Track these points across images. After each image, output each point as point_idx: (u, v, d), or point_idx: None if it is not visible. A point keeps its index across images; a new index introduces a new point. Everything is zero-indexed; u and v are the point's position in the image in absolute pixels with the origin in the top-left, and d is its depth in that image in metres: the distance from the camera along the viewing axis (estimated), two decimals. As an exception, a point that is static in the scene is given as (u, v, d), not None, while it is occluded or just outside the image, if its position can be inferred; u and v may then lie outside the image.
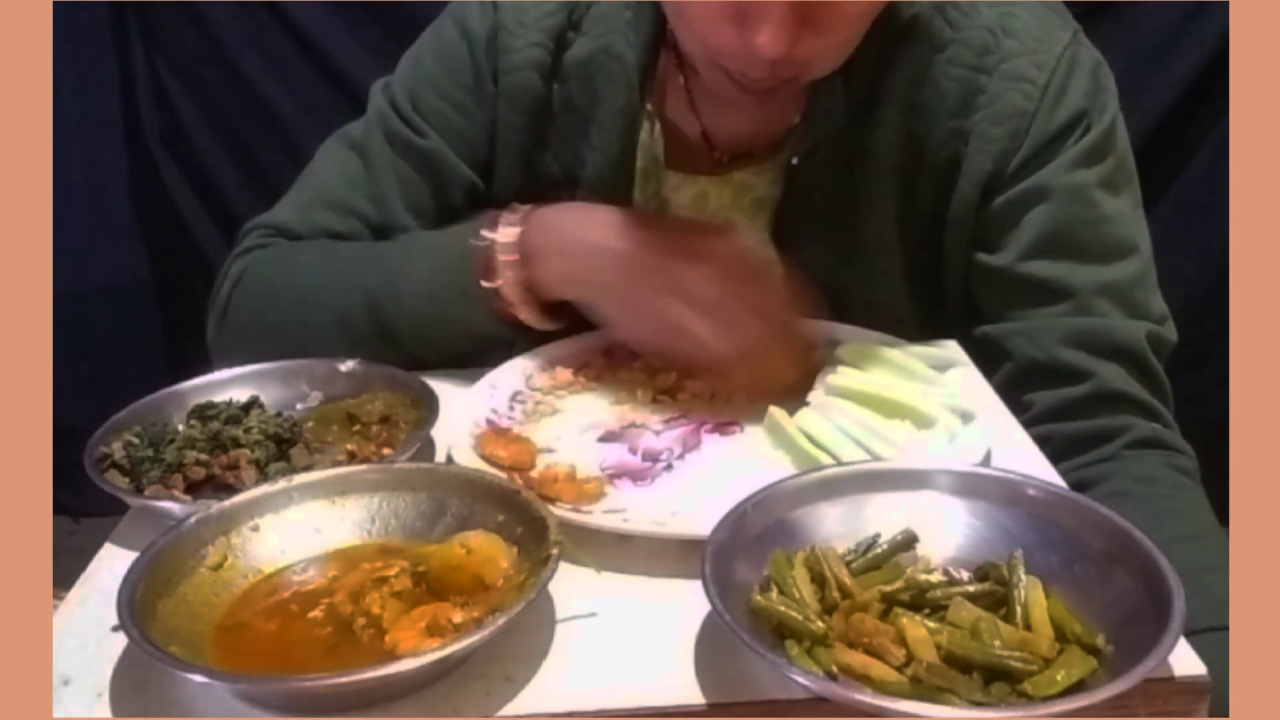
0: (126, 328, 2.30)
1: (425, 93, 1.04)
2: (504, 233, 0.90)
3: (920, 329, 0.99)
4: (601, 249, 0.87)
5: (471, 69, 1.03)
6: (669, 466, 0.80)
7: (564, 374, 0.92)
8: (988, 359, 0.93)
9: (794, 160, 0.98)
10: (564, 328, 0.95)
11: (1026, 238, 0.95)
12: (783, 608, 0.59)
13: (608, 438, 0.84)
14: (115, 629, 0.62)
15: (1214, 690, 0.58)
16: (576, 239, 0.89)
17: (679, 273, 0.84)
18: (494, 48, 1.02)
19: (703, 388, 0.89)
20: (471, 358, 0.96)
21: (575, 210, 0.93)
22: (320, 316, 0.97)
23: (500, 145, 1.04)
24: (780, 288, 0.88)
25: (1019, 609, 0.60)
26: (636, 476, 0.78)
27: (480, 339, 0.95)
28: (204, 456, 0.79)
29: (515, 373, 0.91)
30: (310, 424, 0.86)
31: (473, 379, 0.89)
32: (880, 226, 1.00)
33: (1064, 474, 0.79)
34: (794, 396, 0.84)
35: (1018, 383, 0.94)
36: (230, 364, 0.96)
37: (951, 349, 0.93)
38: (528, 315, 0.91)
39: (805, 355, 0.88)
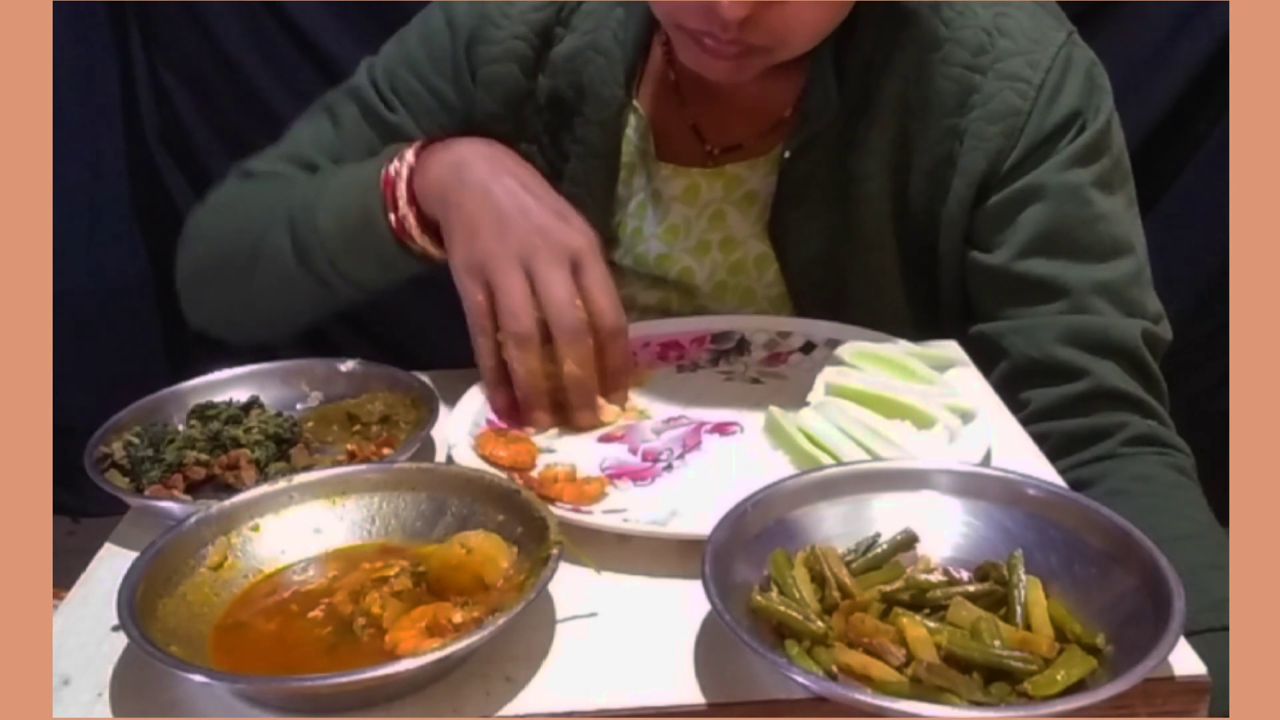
0: (126, 328, 2.29)
1: (403, 72, 1.07)
2: (407, 158, 0.91)
3: (916, 326, 0.99)
4: (482, 187, 0.86)
5: (451, 59, 1.05)
6: (669, 466, 0.80)
7: None
8: (984, 357, 0.93)
9: (786, 154, 0.98)
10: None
11: (1022, 236, 0.95)
12: (783, 607, 0.59)
13: (608, 438, 0.84)
14: (115, 629, 0.62)
15: (1214, 690, 0.58)
16: (458, 163, 0.88)
17: (538, 240, 0.83)
18: (476, 39, 1.04)
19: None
20: (459, 352, 0.97)
21: (479, 145, 0.91)
22: (250, 234, 1.01)
23: (479, 133, 1.04)
24: (615, 332, 0.84)
25: (1019, 609, 0.60)
26: (636, 476, 0.78)
27: (384, 265, 0.94)
28: (204, 456, 0.79)
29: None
30: (310, 424, 0.86)
31: (473, 379, 0.89)
32: (875, 223, 1.00)
33: (1061, 472, 0.79)
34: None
35: (1014, 381, 0.94)
36: (194, 297, 1.08)
37: (951, 349, 0.93)
38: (417, 235, 0.90)
39: (590, 395, 0.84)
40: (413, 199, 0.90)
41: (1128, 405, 0.92)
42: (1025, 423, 0.87)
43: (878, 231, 1.00)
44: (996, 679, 0.56)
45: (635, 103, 1.03)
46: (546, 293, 0.82)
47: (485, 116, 1.04)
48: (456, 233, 0.86)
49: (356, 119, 1.07)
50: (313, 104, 1.12)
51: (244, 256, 1.01)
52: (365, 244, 0.93)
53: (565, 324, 0.82)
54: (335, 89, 1.11)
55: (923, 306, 1.03)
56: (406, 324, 2.06)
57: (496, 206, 0.85)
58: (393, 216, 0.90)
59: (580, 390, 0.83)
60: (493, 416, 0.85)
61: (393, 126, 1.05)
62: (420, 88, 1.06)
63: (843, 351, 0.89)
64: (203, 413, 0.85)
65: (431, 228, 0.90)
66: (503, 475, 0.72)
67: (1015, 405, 0.90)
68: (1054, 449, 0.85)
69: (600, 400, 0.85)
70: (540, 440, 0.83)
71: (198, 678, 0.57)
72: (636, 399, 0.89)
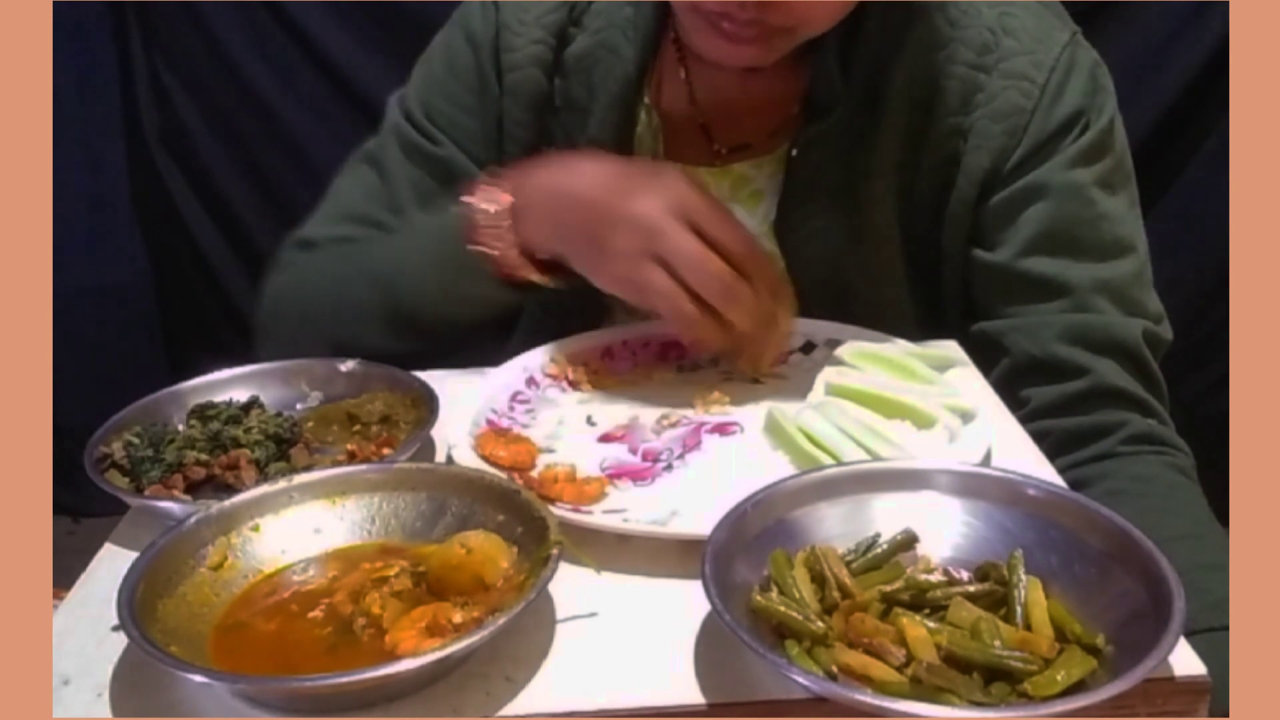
0: (126, 328, 2.30)
1: (437, 100, 1.06)
2: (488, 197, 0.90)
3: (920, 324, 0.99)
4: (575, 199, 0.87)
5: (477, 72, 1.04)
6: (669, 466, 0.80)
7: (573, 371, 0.92)
8: (985, 355, 0.93)
9: (793, 152, 0.98)
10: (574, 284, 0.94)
11: (1024, 235, 0.95)
12: (783, 608, 0.59)
13: (608, 438, 0.84)
14: (115, 629, 0.62)
15: (1214, 690, 0.58)
16: (555, 191, 0.89)
17: (649, 224, 0.82)
18: (497, 47, 1.03)
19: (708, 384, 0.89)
20: (485, 335, 0.99)
21: (556, 164, 0.92)
22: (340, 312, 1.00)
23: (508, 142, 1.05)
24: (757, 249, 0.86)
25: (1019, 609, 0.60)
26: (636, 476, 0.78)
27: (488, 305, 0.95)
28: (204, 456, 0.79)
29: (515, 372, 0.91)
30: (310, 424, 0.86)
31: (473, 379, 0.89)
32: (880, 222, 1.00)
33: (1060, 470, 0.79)
34: (765, 361, 0.88)
35: (1015, 379, 0.94)
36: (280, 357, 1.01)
37: (951, 349, 0.93)
38: (529, 274, 0.91)
39: (775, 320, 0.87)
40: (520, 242, 0.90)
41: (1128, 404, 0.92)
42: (1025, 420, 0.87)
43: (883, 229, 1.00)
44: (996, 679, 0.56)
45: (646, 101, 1.03)
46: (686, 266, 0.81)
47: (511, 124, 1.04)
48: (590, 267, 0.87)
49: (401, 160, 1.05)
50: (350, 156, 1.10)
51: (331, 332, 1.00)
52: (463, 292, 0.94)
53: (717, 288, 0.82)
54: (371, 139, 1.09)
55: (927, 305, 1.03)
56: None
57: (595, 219, 0.85)
58: (490, 253, 0.90)
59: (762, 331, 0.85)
60: (493, 416, 0.85)
61: (439, 160, 1.04)
62: (457, 112, 1.05)
63: (843, 351, 0.89)
64: (203, 413, 0.85)
65: (541, 261, 0.90)
66: (503, 475, 0.72)
67: (1015, 403, 0.90)
68: (1053, 447, 0.85)
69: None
70: (540, 440, 0.83)
71: (198, 678, 0.57)
72: (637, 398, 0.89)
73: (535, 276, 0.91)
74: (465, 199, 0.91)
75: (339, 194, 1.09)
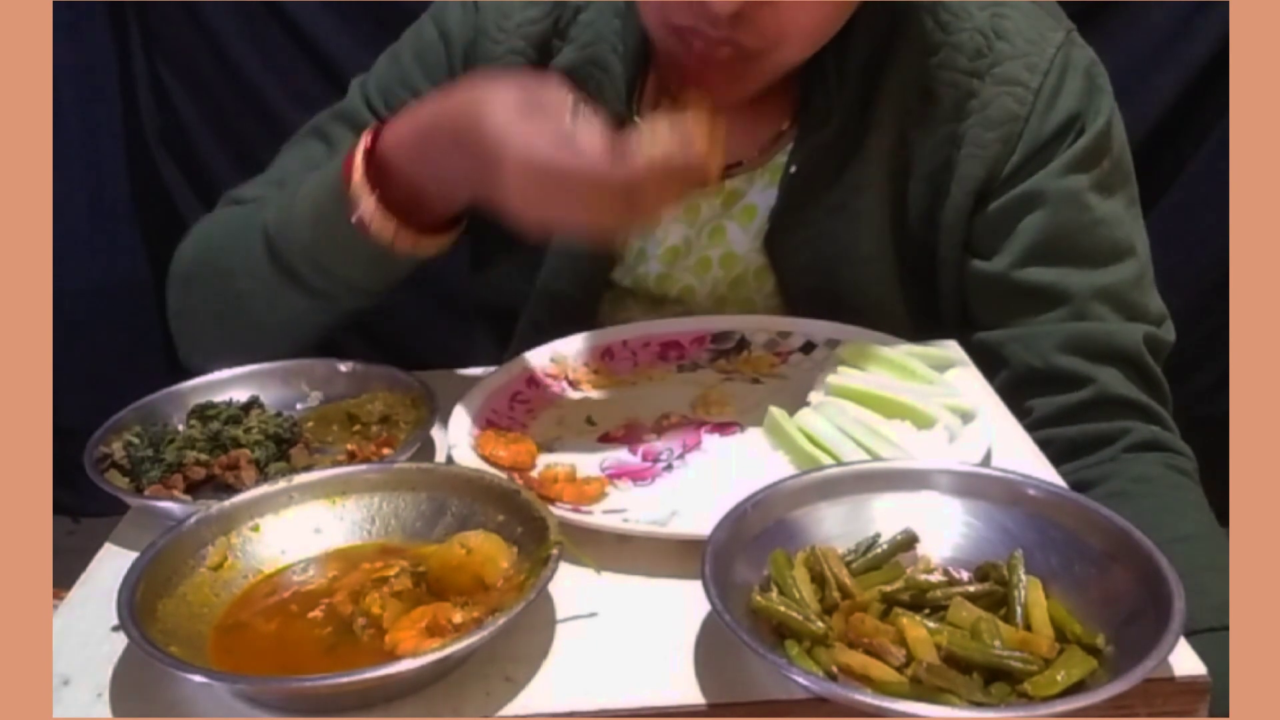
0: (126, 328, 2.29)
1: (398, 90, 1.03)
2: (359, 159, 0.84)
3: (916, 334, 0.98)
4: (450, 141, 0.79)
5: (447, 71, 1.02)
6: (669, 466, 0.80)
7: (573, 371, 0.92)
8: (984, 366, 0.92)
9: (792, 168, 0.97)
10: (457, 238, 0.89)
11: (1021, 244, 0.94)
12: (783, 608, 0.59)
13: (608, 438, 0.84)
14: (115, 629, 0.62)
15: (1214, 690, 0.58)
16: (434, 145, 0.81)
17: (534, 178, 0.74)
18: (472, 54, 1.01)
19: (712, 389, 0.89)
20: (459, 352, 0.95)
21: (428, 115, 0.83)
22: (232, 264, 0.95)
23: None
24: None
25: (1019, 609, 0.60)
26: (636, 476, 0.78)
27: (380, 268, 0.88)
28: (204, 456, 0.79)
29: (515, 372, 0.91)
30: (310, 424, 0.86)
31: (473, 379, 0.89)
32: (874, 232, 0.99)
33: (1064, 476, 0.79)
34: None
35: (1016, 389, 0.93)
36: (185, 334, 1.03)
37: (951, 349, 0.93)
38: (402, 241, 0.84)
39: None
40: (402, 189, 0.83)
41: (1131, 411, 0.92)
42: (1028, 430, 0.86)
43: (878, 240, 0.99)
44: (996, 679, 0.56)
45: (637, 119, 1.00)
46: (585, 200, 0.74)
47: None
48: (502, 210, 0.77)
49: (350, 139, 1.00)
50: (300, 129, 1.07)
51: (226, 287, 0.95)
52: (346, 254, 0.87)
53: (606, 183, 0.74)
54: (324, 112, 1.06)
55: (922, 313, 1.02)
56: (406, 324, 2.06)
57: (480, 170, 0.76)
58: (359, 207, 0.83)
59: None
60: (494, 416, 0.85)
61: None
62: (415, 103, 1.03)
63: (843, 351, 0.89)
64: (203, 413, 0.85)
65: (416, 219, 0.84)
66: (503, 475, 0.72)
67: (1018, 413, 0.89)
68: (1057, 455, 0.84)
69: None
70: (540, 440, 0.83)
71: (198, 678, 0.57)
72: (637, 398, 0.89)
73: (407, 244, 0.84)
74: (346, 158, 0.84)
75: (281, 161, 1.06)
